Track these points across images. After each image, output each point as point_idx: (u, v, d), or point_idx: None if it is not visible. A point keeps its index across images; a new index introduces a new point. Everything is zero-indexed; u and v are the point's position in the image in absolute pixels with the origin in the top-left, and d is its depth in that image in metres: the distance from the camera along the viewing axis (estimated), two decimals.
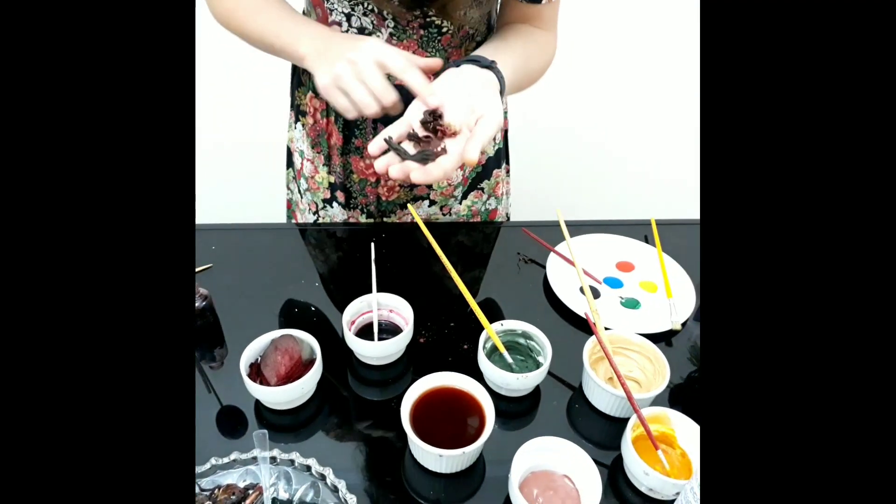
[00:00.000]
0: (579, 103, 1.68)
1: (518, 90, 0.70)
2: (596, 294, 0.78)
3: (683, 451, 0.56)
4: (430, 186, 0.86)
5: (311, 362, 0.60)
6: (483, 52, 0.65)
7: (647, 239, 0.87)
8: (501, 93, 0.61)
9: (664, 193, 1.72)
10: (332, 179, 0.86)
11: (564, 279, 0.78)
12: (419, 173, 0.54)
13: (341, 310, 0.67)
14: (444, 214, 0.91)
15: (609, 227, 0.88)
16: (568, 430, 0.61)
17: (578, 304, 0.74)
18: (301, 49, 0.63)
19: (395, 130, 0.58)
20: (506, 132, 0.91)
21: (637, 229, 0.89)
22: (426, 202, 0.89)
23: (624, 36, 1.60)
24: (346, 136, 0.81)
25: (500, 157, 0.91)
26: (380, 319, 0.68)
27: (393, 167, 0.55)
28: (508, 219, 1.00)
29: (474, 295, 0.69)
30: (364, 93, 0.58)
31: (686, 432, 0.56)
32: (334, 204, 0.89)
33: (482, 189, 0.91)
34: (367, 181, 0.85)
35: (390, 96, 0.58)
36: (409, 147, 0.57)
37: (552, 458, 0.54)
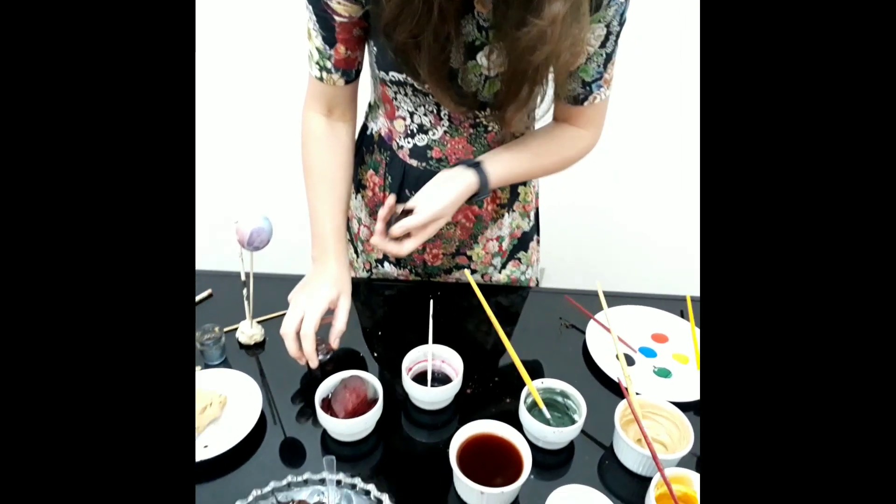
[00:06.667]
0: (625, 185, 1.79)
1: (530, 177, 0.86)
2: (631, 361, 0.84)
3: None
4: (469, 257, 0.99)
5: (375, 401, 0.69)
6: (492, 151, 0.82)
7: (683, 313, 0.94)
8: (482, 186, 0.78)
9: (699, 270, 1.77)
10: None
11: (602, 346, 0.85)
12: (391, 247, 0.78)
13: (399, 356, 0.77)
14: (485, 281, 1.02)
15: (647, 301, 0.95)
16: (597, 484, 0.67)
17: (614, 369, 0.81)
18: (312, 250, 0.83)
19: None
20: (537, 210, 1.03)
21: (673, 304, 0.95)
22: (468, 270, 1.00)
23: (665, 117, 1.70)
24: None
25: (533, 231, 1.02)
26: (433, 369, 0.77)
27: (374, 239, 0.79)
28: (538, 283, 1.12)
29: (518, 354, 0.77)
30: (293, 349, 0.75)
31: None
32: (386, 264, 1.02)
33: (520, 259, 1.02)
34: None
35: (312, 363, 0.76)
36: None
37: None
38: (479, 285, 0.99)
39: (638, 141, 1.73)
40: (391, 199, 0.81)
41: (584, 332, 0.88)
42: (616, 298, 0.94)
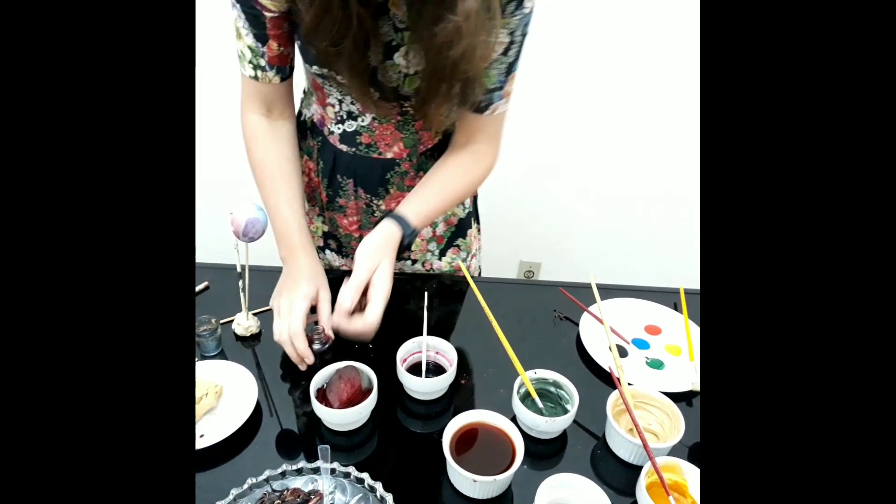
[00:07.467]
0: (623, 181, 1.79)
1: (450, 206, 0.87)
2: (624, 353, 0.85)
3: (693, 500, 0.62)
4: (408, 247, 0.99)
5: (369, 391, 0.70)
6: (407, 199, 0.83)
7: (676, 306, 0.94)
8: (404, 227, 0.79)
9: (694, 263, 1.78)
10: (326, 228, 1.01)
11: (596, 337, 0.86)
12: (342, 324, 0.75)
13: (394, 347, 0.77)
14: (426, 270, 1.03)
15: (640, 293, 0.96)
16: (589, 473, 0.68)
17: (607, 360, 0.81)
18: (280, 251, 0.83)
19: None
20: (475, 198, 1.04)
21: (666, 296, 0.96)
22: (408, 262, 1.02)
23: (660, 113, 1.70)
24: (329, 195, 0.95)
25: (470, 217, 1.03)
26: (428, 359, 0.77)
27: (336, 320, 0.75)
28: (480, 272, 1.13)
29: (512, 345, 0.78)
30: (292, 353, 0.76)
31: (697, 483, 0.62)
32: (327, 251, 1.04)
33: (458, 246, 1.03)
34: (352, 236, 0.99)
35: (309, 359, 0.76)
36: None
37: (572, 494, 0.61)
38: (480, 279, 1.00)
39: (633, 136, 1.74)
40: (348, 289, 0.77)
41: (577, 325, 0.89)
42: (610, 291, 0.95)
